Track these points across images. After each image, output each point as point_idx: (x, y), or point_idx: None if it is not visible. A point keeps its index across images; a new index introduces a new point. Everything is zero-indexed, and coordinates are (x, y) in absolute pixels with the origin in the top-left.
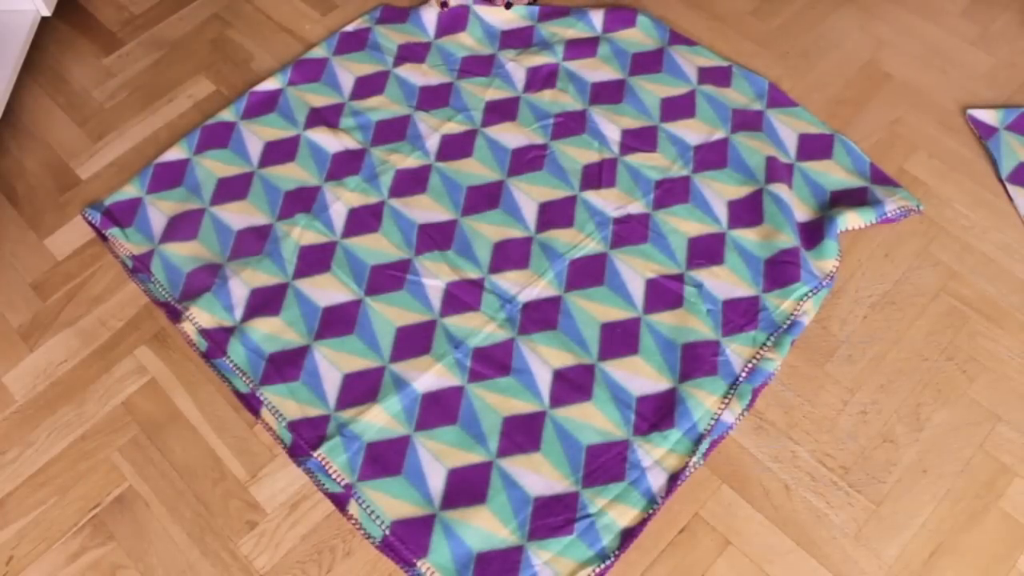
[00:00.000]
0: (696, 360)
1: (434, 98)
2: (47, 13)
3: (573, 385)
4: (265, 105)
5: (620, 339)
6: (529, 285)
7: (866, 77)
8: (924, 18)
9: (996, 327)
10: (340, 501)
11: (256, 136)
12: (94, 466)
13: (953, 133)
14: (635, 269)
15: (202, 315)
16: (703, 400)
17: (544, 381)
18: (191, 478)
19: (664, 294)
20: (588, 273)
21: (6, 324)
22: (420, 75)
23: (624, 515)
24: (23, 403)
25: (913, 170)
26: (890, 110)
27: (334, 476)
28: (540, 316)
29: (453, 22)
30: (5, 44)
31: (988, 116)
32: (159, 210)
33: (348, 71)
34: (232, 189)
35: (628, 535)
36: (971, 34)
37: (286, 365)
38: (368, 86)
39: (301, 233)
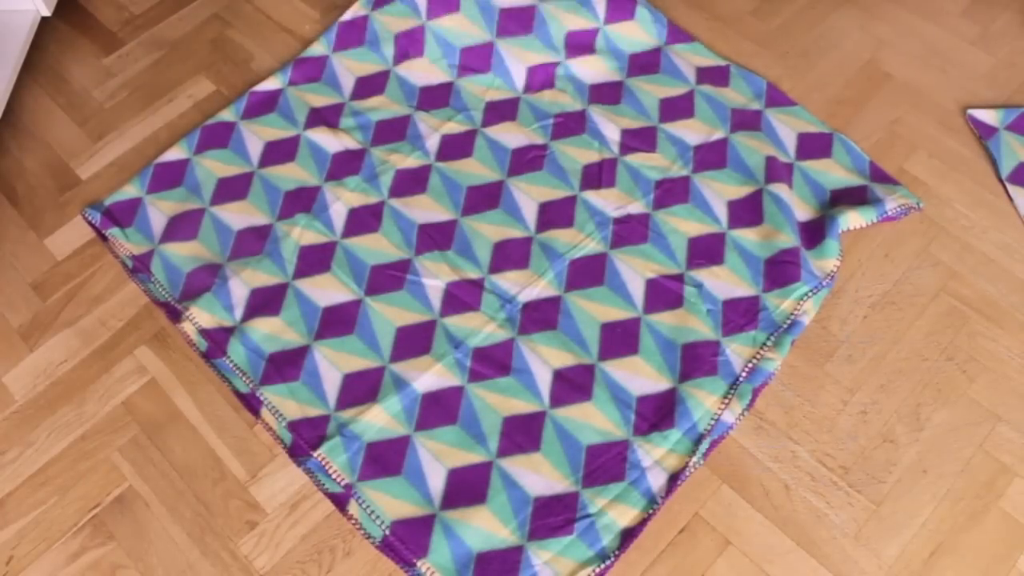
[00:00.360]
0: (696, 360)
1: (434, 98)
2: (47, 13)
3: (573, 385)
4: (265, 105)
5: (620, 339)
6: (529, 285)
7: (866, 77)
8: (924, 18)
9: (996, 327)
10: (340, 501)
11: (256, 136)
12: (94, 466)
13: (953, 133)
14: (635, 269)
15: (202, 315)
16: (703, 400)
17: (544, 381)
18: (191, 478)
19: (664, 294)
20: (588, 273)
21: (6, 324)
22: (421, 73)
23: (624, 515)
24: (23, 403)
25: (913, 170)
26: (890, 110)
27: (334, 476)
28: (540, 316)
29: (444, 3)
30: (5, 44)
31: (988, 116)
32: (159, 210)
33: (348, 71)
34: (232, 189)
35: (628, 535)
36: (971, 34)
37: (286, 365)
38: (368, 86)
39: (301, 233)
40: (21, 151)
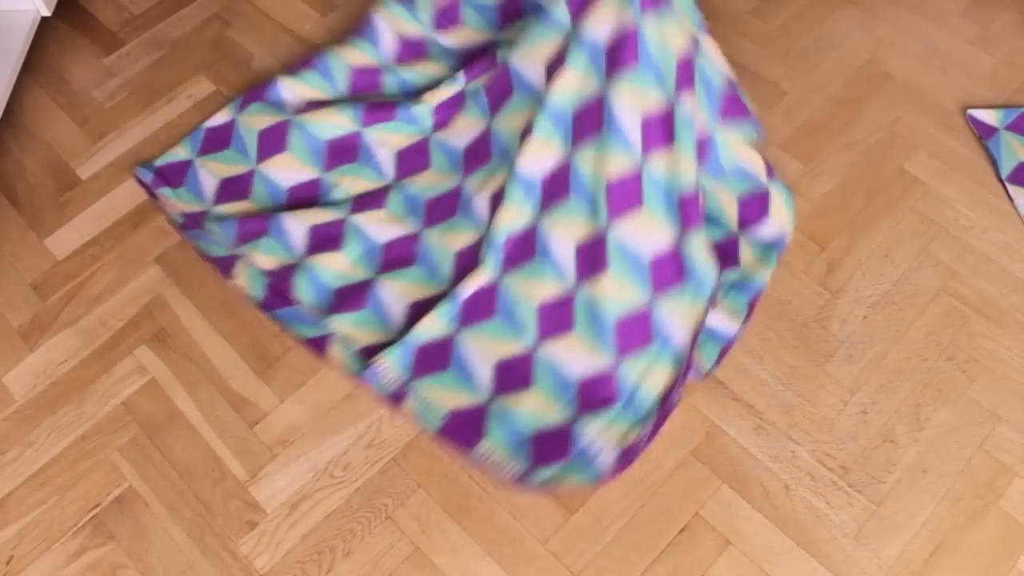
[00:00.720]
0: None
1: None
2: (47, 13)
3: (588, 257)
4: (306, 64)
5: (622, 197)
6: (546, 157)
7: (866, 77)
8: (924, 18)
9: (996, 327)
10: (396, 398)
11: (290, 89)
12: (94, 466)
13: (953, 133)
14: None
15: (263, 258)
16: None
17: (567, 259)
18: (191, 478)
19: (659, 129)
20: (591, 122)
21: (6, 324)
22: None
23: (658, 382)
24: (23, 403)
25: (913, 170)
26: (890, 110)
27: (388, 382)
28: (555, 190)
29: None
30: (5, 44)
31: (988, 116)
32: (209, 171)
33: (391, 28)
34: (271, 141)
35: (664, 401)
36: (971, 34)
37: (352, 297)
38: (411, 49)
39: (352, 182)
40: (21, 151)
